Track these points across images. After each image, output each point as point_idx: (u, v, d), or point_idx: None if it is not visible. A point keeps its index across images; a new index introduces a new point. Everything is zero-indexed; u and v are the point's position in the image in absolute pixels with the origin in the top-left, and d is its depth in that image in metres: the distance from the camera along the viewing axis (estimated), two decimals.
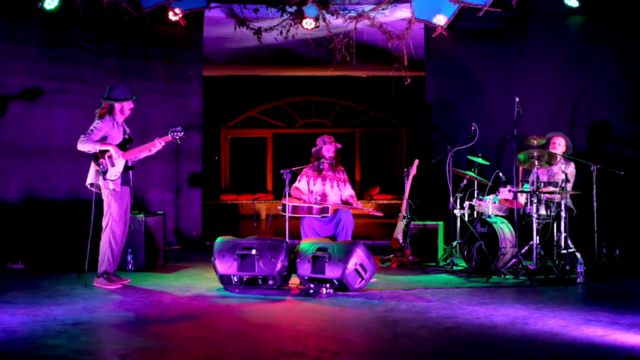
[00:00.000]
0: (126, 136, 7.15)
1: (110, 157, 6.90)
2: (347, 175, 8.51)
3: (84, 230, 8.14)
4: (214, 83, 14.63)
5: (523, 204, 7.77)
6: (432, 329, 5.34)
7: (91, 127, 6.93)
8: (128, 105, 7.12)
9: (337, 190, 8.30)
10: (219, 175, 16.16)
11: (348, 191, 8.32)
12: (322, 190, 8.28)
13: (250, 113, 16.29)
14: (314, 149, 8.37)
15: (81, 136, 6.87)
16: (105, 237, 7.01)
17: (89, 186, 7.05)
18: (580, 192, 8.05)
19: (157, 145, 7.18)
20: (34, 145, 9.26)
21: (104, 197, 7.01)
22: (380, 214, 8.60)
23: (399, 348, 4.93)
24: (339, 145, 8.37)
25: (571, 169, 8.11)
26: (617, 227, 8.64)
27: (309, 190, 8.29)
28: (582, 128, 9.27)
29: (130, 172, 7.17)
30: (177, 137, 7.26)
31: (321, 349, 4.82)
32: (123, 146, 7.05)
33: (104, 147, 6.88)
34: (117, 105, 7.06)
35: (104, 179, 6.91)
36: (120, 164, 6.96)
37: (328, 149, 8.28)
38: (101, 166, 6.91)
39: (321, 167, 8.30)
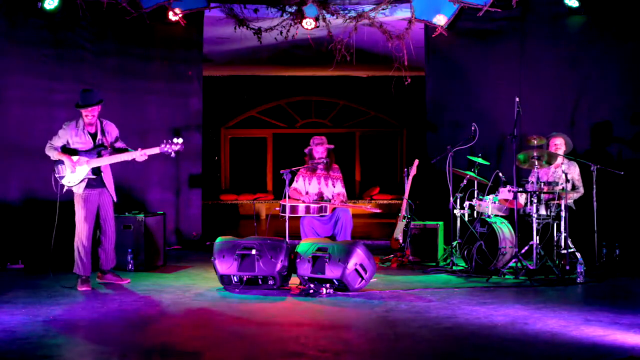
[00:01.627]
0: (98, 142, 7.01)
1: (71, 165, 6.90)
2: (346, 175, 8.51)
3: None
4: (214, 83, 14.63)
5: (523, 204, 7.77)
6: (432, 329, 5.34)
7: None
8: (84, 112, 6.94)
9: (333, 189, 8.31)
10: (219, 175, 16.16)
11: (337, 189, 8.31)
12: (317, 190, 8.28)
13: (250, 113, 16.29)
14: (306, 149, 8.40)
15: (49, 141, 7.03)
16: (75, 239, 7.03)
17: (54, 189, 7.03)
18: (580, 192, 8.07)
19: (138, 157, 6.99)
20: (34, 145, 9.20)
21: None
22: (377, 210, 8.63)
23: (399, 348, 4.93)
24: (331, 146, 8.36)
25: (576, 171, 8.11)
26: (617, 227, 8.64)
27: (305, 190, 8.29)
28: (583, 128, 9.27)
29: (106, 174, 7.05)
30: (170, 151, 6.95)
31: (321, 349, 4.82)
32: (91, 153, 6.96)
33: (59, 157, 6.94)
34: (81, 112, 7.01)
35: (60, 182, 6.97)
36: (81, 171, 6.93)
37: (317, 150, 8.30)
38: (56, 172, 6.99)
39: (315, 166, 8.31)
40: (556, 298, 6.52)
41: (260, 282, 6.85)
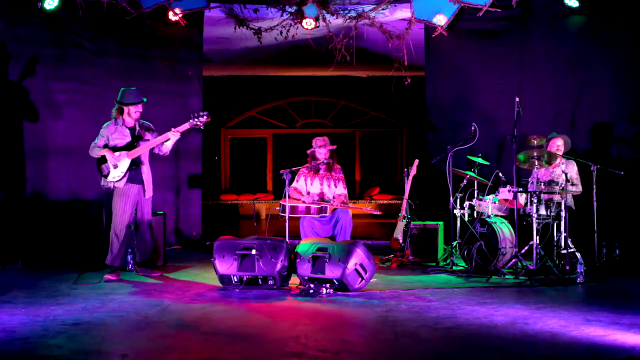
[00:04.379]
0: (136, 134, 7.41)
1: (112, 163, 7.29)
2: (346, 175, 8.51)
3: (83, 230, 8.17)
4: (214, 83, 14.62)
5: (523, 204, 7.77)
6: (432, 329, 5.34)
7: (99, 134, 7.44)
8: (134, 109, 7.41)
9: (334, 189, 8.31)
10: (219, 175, 16.16)
11: (339, 190, 8.31)
12: (319, 190, 8.28)
13: (250, 113, 16.29)
14: (309, 150, 8.40)
15: (92, 143, 7.39)
16: (110, 231, 7.42)
17: (103, 188, 7.44)
18: (579, 190, 8.07)
19: (171, 136, 7.39)
20: (34, 146, 9.24)
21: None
22: (378, 213, 8.63)
23: (399, 348, 4.93)
24: (333, 147, 8.36)
25: (574, 169, 8.10)
26: (617, 227, 8.64)
27: (306, 190, 8.29)
28: (583, 128, 9.26)
29: (143, 168, 7.44)
30: (198, 123, 7.34)
31: (321, 349, 4.82)
32: (130, 147, 7.34)
33: (101, 153, 7.32)
34: (125, 109, 7.40)
35: (106, 180, 7.35)
36: (123, 164, 7.30)
37: (321, 152, 8.29)
38: (101, 171, 7.35)
39: (318, 167, 8.31)
40: (556, 298, 6.52)
41: (260, 282, 6.85)
